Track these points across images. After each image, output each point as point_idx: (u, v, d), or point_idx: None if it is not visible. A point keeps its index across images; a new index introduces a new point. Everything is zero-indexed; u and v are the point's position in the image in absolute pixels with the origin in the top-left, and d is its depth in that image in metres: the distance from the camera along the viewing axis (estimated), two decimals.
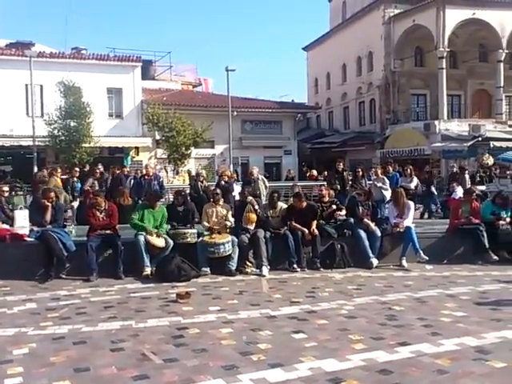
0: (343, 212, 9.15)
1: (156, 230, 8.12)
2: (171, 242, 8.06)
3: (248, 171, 14.63)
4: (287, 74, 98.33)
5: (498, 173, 21.07)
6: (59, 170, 13.77)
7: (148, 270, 7.81)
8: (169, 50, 48.73)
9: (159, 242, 7.98)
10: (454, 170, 17.66)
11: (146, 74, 31.34)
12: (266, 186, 14.39)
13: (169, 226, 8.55)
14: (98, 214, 8.22)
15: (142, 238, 7.93)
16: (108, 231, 8.13)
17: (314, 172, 19.23)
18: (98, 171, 13.75)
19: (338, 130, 37.98)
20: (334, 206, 9.27)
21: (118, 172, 14.11)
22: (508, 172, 21.19)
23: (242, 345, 4.69)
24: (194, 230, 8.45)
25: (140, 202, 10.51)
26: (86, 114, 22.94)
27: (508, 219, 9.38)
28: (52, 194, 8.34)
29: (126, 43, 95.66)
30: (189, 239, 8.25)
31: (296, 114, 34.00)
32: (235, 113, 27.42)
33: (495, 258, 8.94)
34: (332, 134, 37.43)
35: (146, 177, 11.82)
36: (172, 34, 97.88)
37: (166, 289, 7.10)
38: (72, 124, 22.64)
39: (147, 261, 7.86)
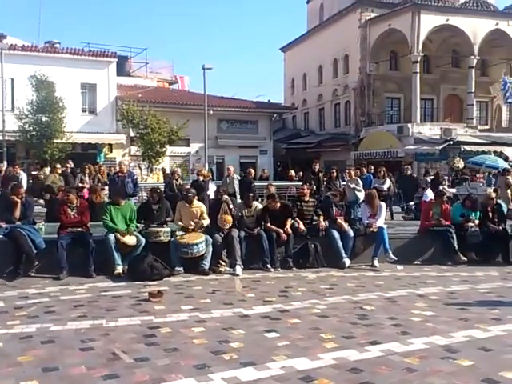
0: (323, 223, 9.10)
1: (126, 227, 8.05)
2: (143, 240, 7.99)
3: (224, 170, 14.79)
4: (264, 74, 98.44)
5: (479, 176, 21.03)
6: (58, 166, 13.56)
7: (119, 269, 7.72)
8: (145, 47, 48.35)
9: (130, 240, 7.90)
10: (408, 172, 17.13)
11: (122, 70, 31.02)
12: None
13: (142, 225, 8.49)
14: (69, 211, 8.09)
15: (111, 237, 7.83)
16: (79, 229, 8.00)
17: (292, 172, 19.54)
18: (88, 168, 13.65)
19: (313, 131, 38.19)
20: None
21: (63, 169, 13.97)
22: (478, 175, 21.57)
23: (215, 344, 4.68)
24: (168, 229, 8.38)
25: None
26: (58, 109, 22.61)
27: (477, 221, 9.58)
28: (22, 190, 8.18)
29: (102, 38, 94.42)
30: (162, 238, 8.18)
31: (272, 114, 34.03)
32: (211, 111, 27.34)
33: (464, 259, 9.15)
34: (307, 134, 37.62)
35: (120, 174, 11.68)
36: (149, 30, 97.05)
37: (138, 288, 7.03)
38: (44, 119, 22.28)
39: (118, 259, 7.78)
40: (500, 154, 24.57)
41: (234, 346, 4.61)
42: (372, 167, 16.03)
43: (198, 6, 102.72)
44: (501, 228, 9.51)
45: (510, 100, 30.40)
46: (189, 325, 5.30)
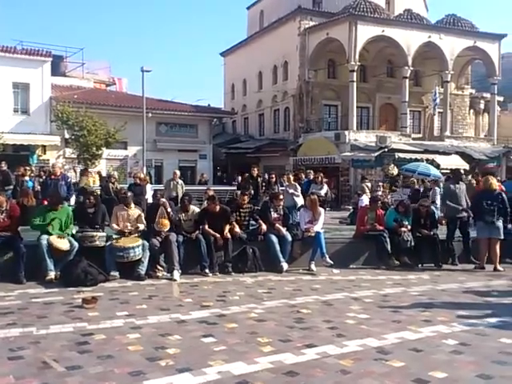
0: (264, 227, 9.19)
1: (60, 233, 7.78)
2: (76, 245, 7.75)
3: (164, 174, 14.45)
4: (205, 78, 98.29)
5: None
6: (90, 171, 12.90)
7: (52, 274, 7.45)
8: (82, 47, 47.06)
9: (63, 245, 7.64)
10: (311, 176, 14.66)
11: (56, 70, 30.07)
12: (183, 191, 14.36)
13: (77, 228, 8.24)
14: None
15: (44, 241, 7.55)
16: (8, 233, 7.67)
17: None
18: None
19: (252, 136, 38.42)
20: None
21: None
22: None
23: (150, 350, 4.59)
24: (103, 234, 8.18)
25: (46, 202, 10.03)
26: None
27: (409, 227, 9.92)
28: None
29: (36, 37, 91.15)
30: (97, 242, 7.97)
31: (212, 118, 33.98)
32: (150, 114, 26.89)
33: (397, 263, 9.49)
34: (247, 139, 37.81)
35: (53, 177, 11.28)
36: (86, 30, 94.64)
37: (72, 294, 6.82)
38: None
39: (51, 264, 7.50)
40: (432, 162, 25.56)
41: (170, 352, 4.54)
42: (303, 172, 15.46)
43: (138, 7, 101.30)
44: (431, 233, 9.88)
45: (437, 110, 31.85)
46: (124, 331, 5.18)
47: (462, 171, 11.83)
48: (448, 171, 24.92)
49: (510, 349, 4.78)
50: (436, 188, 15.78)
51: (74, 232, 8.14)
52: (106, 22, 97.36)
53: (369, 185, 17.91)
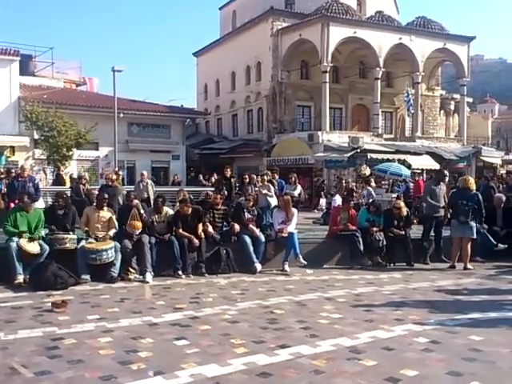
0: (237, 226, 9.17)
1: (30, 235, 7.61)
2: (47, 248, 7.59)
3: (137, 174, 14.31)
4: (178, 78, 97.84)
5: (384, 183, 21.02)
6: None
7: (20, 278, 7.29)
8: (51, 46, 46.20)
9: (33, 248, 7.48)
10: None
11: (25, 70, 29.48)
12: (153, 191, 14.24)
13: (47, 230, 8.08)
14: None
15: (13, 245, 7.38)
16: None
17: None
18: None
19: (226, 137, 38.34)
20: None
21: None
22: (383, 182, 22.62)
23: (122, 354, 4.53)
24: (74, 236, 8.05)
25: (13, 204, 9.82)
26: None
27: (381, 226, 10.01)
28: None
29: (4, 36, 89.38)
30: (68, 245, 7.84)
31: (185, 118, 33.77)
32: (121, 114, 26.55)
33: (369, 262, 9.56)
34: (220, 140, 37.72)
35: (20, 178, 11.07)
36: (56, 29, 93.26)
37: (41, 297, 6.69)
38: None
39: (20, 268, 7.34)
40: (403, 162, 25.88)
41: (142, 356, 4.49)
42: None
43: (111, 8, 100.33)
44: (403, 233, 9.99)
45: (412, 110, 32.27)
46: (95, 335, 5.09)
47: (446, 172, 11.87)
48: (419, 171, 25.37)
49: (479, 346, 4.86)
50: (369, 188, 16.25)
51: (44, 235, 7.98)
52: (78, 22, 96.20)
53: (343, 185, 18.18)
